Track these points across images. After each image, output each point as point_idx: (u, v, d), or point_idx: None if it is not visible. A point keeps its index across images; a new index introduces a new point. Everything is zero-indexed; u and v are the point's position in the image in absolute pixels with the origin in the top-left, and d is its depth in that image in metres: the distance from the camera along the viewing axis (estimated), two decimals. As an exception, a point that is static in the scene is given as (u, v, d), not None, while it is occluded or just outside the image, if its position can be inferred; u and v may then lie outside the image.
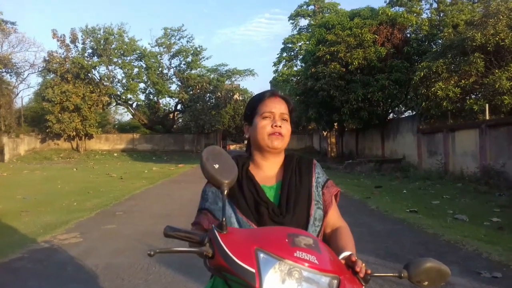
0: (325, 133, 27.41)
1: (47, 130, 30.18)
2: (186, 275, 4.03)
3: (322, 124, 22.00)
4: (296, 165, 1.48)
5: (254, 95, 1.56)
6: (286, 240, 0.99)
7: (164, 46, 34.83)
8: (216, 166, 1.13)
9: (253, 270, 0.93)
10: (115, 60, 32.70)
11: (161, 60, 35.02)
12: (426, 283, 1.10)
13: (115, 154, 32.10)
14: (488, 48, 12.04)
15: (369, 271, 1.07)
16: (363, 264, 1.08)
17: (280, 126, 1.41)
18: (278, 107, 1.44)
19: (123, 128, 40.82)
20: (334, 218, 1.46)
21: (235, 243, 0.99)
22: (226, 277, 1.07)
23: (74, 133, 30.35)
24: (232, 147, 36.80)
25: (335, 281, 0.97)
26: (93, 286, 3.84)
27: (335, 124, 21.84)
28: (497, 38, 11.80)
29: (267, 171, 1.46)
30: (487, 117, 11.87)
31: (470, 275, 3.98)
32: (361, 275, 1.06)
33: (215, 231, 1.03)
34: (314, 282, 0.94)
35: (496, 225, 6.22)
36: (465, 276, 3.93)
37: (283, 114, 1.44)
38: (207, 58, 44.52)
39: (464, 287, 3.67)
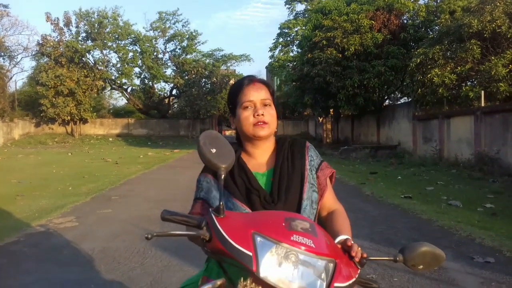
0: (320, 119, 27.42)
1: (41, 115, 29.93)
2: (182, 258, 4.04)
3: (318, 110, 21.98)
4: (289, 150, 1.45)
5: (232, 84, 1.52)
6: (283, 224, 0.99)
7: (159, 30, 34.41)
8: (214, 150, 1.12)
9: (250, 254, 0.94)
10: (109, 44, 32.32)
11: (156, 45, 34.66)
12: (421, 266, 1.11)
13: (110, 139, 31.97)
14: (485, 35, 12.00)
15: (365, 255, 1.08)
16: (359, 248, 1.09)
17: (262, 114, 1.38)
18: (257, 95, 1.40)
19: (118, 113, 40.56)
20: (330, 201, 1.45)
21: (232, 227, 0.99)
22: (223, 260, 1.07)
23: (69, 117, 30.13)
24: (227, 132, 36.70)
25: (331, 265, 0.98)
26: (89, 269, 3.85)
27: (331, 110, 21.81)
28: (493, 25, 11.75)
29: (259, 158, 1.45)
30: (483, 104, 11.89)
31: (463, 259, 4.03)
32: (357, 259, 1.07)
33: (212, 214, 1.03)
34: (310, 266, 0.95)
35: (489, 211, 6.29)
36: (458, 261, 3.98)
37: (264, 100, 1.40)
38: (202, 43, 44.19)
39: (457, 271, 3.71)
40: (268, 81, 1.51)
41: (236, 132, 1.52)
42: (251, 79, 1.45)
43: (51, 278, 3.60)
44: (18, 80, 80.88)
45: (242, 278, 0.97)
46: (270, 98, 1.43)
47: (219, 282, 1.03)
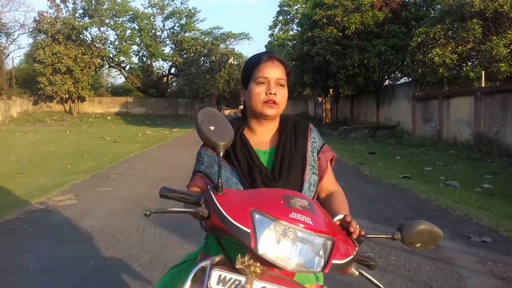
0: (320, 99, 27.29)
1: (39, 92, 29.70)
2: (181, 236, 4.07)
3: (317, 90, 21.84)
4: (292, 130, 1.45)
5: (251, 56, 1.50)
6: (282, 202, 0.99)
7: (157, 8, 33.82)
8: (212, 128, 1.11)
9: (249, 231, 0.94)
10: (107, 21, 31.79)
11: (154, 22, 34.13)
12: (418, 244, 1.12)
13: (109, 118, 31.85)
14: (487, 14, 11.83)
15: (362, 233, 1.08)
16: (357, 225, 1.09)
17: (274, 94, 1.37)
18: (274, 72, 1.38)
19: (116, 91, 40.26)
20: (329, 183, 1.46)
21: (230, 204, 1.00)
22: (222, 237, 1.08)
23: (67, 95, 29.90)
24: (226, 112, 36.56)
25: (329, 242, 0.98)
26: (89, 246, 3.88)
27: (331, 90, 21.70)
28: (495, 4, 11.57)
29: (262, 135, 1.45)
30: (483, 85, 11.83)
31: (460, 239, 4.07)
32: (355, 236, 1.07)
33: (211, 192, 1.03)
34: (308, 243, 0.95)
35: (487, 191, 6.32)
36: (455, 240, 4.02)
37: (279, 80, 1.39)
38: (201, 21, 43.52)
39: (453, 250, 3.75)
40: (287, 62, 1.47)
41: (244, 106, 1.50)
42: (271, 56, 1.43)
43: (51, 255, 3.63)
44: (15, 57, 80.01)
45: (240, 255, 0.97)
46: (285, 79, 1.41)
47: (217, 258, 1.03)
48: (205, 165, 1.40)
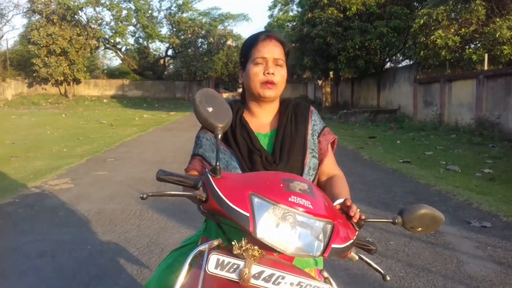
0: (320, 82, 27.07)
1: (34, 75, 29.35)
2: (178, 221, 4.05)
3: (317, 73, 21.65)
4: (292, 112, 1.43)
5: (249, 36, 1.45)
6: (281, 185, 0.98)
7: (154, -13, 33.25)
8: (210, 109, 1.08)
9: (247, 214, 0.93)
10: (102, 1, 31.20)
11: (151, 2, 33.66)
12: (419, 229, 1.11)
13: (105, 100, 31.62)
14: (491, -5, 11.64)
15: (363, 217, 1.06)
16: (358, 209, 1.06)
17: (273, 73, 1.34)
18: (271, 52, 1.35)
19: (112, 73, 39.86)
20: (330, 166, 1.43)
21: (229, 187, 0.99)
22: (220, 221, 1.07)
23: (62, 78, 29.57)
24: (225, 95, 36.31)
25: (329, 226, 0.97)
26: (86, 230, 3.84)
27: (331, 73, 21.54)
28: (500, -15, 11.37)
29: (262, 118, 1.42)
30: (486, 68, 11.70)
31: (460, 224, 4.05)
32: (355, 220, 1.05)
33: (209, 175, 1.01)
34: (308, 227, 0.95)
35: (488, 176, 6.29)
36: (455, 225, 4.00)
37: (277, 60, 1.35)
38: (199, 1, 42.90)
39: (453, 235, 3.74)
40: (286, 41, 1.42)
41: (243, 88, 1.47)
42: (268, 35, 1.39)
43: (47, 239, 3.59)
44: (9, 38, 79.03)
45: (236, 240, 0.96)
46: (283, 59, 1.38)
47: (215, 242, 1.02)
48: (203, 149, 1.37)
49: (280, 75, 1.36)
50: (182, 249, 1.40)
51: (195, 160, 1.37)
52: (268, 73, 1.33)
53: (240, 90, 1.54)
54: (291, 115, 1.42)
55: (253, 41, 1.38)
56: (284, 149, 1.33)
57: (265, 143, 1.37)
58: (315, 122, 1.45)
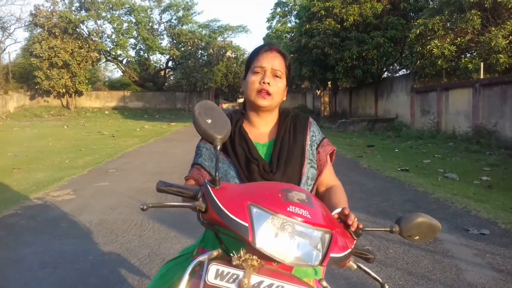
0: (318, 92, 27.22)
1: (36, 87, 29.54)
2: (179, 231, 4.07)
3: (316, 83, 21.79)
4: (291, 123, 1.45)
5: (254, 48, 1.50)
6: (279, 195, 0.98)
7: (154, 0, 33.61)
8: (209, 121, 1.10)
9: (246, 224, 0.93)
10: (103, 14, 31.58)
11: (151, 15, 33.91)
12: (417, 237, 1.11)
13: (106, 112, 31.74)
14: (485, 5, 11.76)
15: (361, 226, 1.07)
16: (355, 218, 1.08)
17: (268, 83, 1.35)
18: (270, 62, 1.37)
19: (113, 85, 40.10)
20: (329, 177, 1.45)
21: (228, 198, 0.99)
22: (219, 231, 1.07)
23: (64, 90, 29.77)
24: (224, 105, 36.42)
25: (327, 235, 0.98)
26: (87, 241, 3.87)
27: (329, 82, 21.64)
28: (494, -5, 11.52)
29: (261, 128, 1.44)
30: (482, 76, 11.80)
31: (458, 231, 4.07)
32: (353, 228, 1.06)
33: (208, 185, 1.02)
34: (306, 236, 0.95)
35: (485, 183, 6.32)
36: (454, 233, 4.02)
37: (276, 70, 1.37)
38: (198, 13, 43.27)
39: (452, 243, 3.75)
40: (287, 53, 1.46)
41: (244, 99, 1.50)
42: (270, 47, 1.43)
43: (49, 250, 3.61)
44: (11, 51, 79.53)
45: (235, 252, 0.97)
46: (282, 71, 1.40)
47: (215, 253, 1.03)
48: (203, 158, 1.40)
49: (277, 86, 1.37)
50: (178, 259, 1.40)
51: (194, 169, 1.39)
52: (263, 82, 1.36)
53: (240, 100, 1.59)
54: (290, 126, 1.43)
55: (256, 51, 1.42)
56: (281, 158, 1.34)
57: (263, 153, 1.38)
58: (313, 133, 1.46)
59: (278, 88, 1.38)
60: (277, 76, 1.38)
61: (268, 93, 1.36)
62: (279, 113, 1.48)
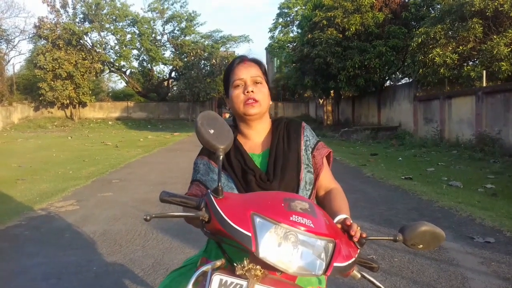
0: (321, 101, 27.28)
1: (40, 98, 29.76)
2: (183, 241, 4.06)
3: (318, 92, 21.84)
4: (284, 130, 1.45)
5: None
6: (282, 205, 0.98)
7: (157, 12, 33.92)
8: (212, 131, 1.11)
9: (249, 234, 0.93)
10: (107, 26, 31.88)
11: (154, 26, 34.20)
12: (421, 246, 1.11)
13: (110, 122, 31.88)
14: (487, 13, 11.82)
15: (364, 235, 1.07)
16: (358, 228, 1.08)
17: (252, 91, 1.37)
18: (247, 72, 1.39)
19: (117, 96, 40.31)
20: (327, 180, 1.44)
21: (231, 208, 0.99)
22: (222, 241, 1.07)
23: (68, 101, 29.97)
24: (227, 115, 36.52)
25: (331, 245, 0.97)
26: (91, 252, 3.86)
27: (332, 91, 21.70)
28: (496, 3, 11.57)
29: (255, 139, 1.44)
30: (484, 84, 11.81)
31: (463, 240, 4.04)
32: (356, 239, 1.06)
33: (211, 195, 1.02)
34: (310, 246, 0.95)
35: (490, 191, 6.29)
36: (458, 241, 3.99)
37: (255, 78, 1.39)
38: (201, 24, 43.61)
39: (457, 251, 3.72)
40: (259, 59, 1.48)
41: (233, 114, 1.51)
42: (242, 58, 1.45)
43: (53, 261, 3.61)
44: (16, 63, 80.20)
45: (239, 262, 0.97)
46: (261, 76, 1.41)
47: (218, 263, 1.02)
48: (200, 173, 1.40)
49: (261, 92, 1.39)
50: (181, 269, 1.39)
51: (193, 186, 1.40)
52: (248, 92, 1.36)
53: (228, 115, 1.59)
54: (283, 133, 1.43)
55: (230, 67, 1.44)
56: (277, 166, 1.34)
57: (259, 163, 1.38)
58: (307, 137, 1.45)
59: (262, 93, 1.39)
60: (257, 83, 1.39)
61: (255, 100, 1.37)
62: (271, 122, 1.48)
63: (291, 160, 1.38)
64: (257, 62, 1.44)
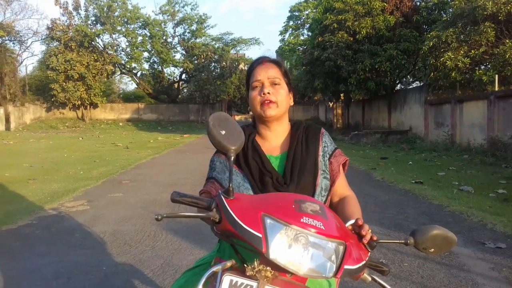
0: (331, 104, 27.21)
1: (52, 99, 30.19)
2: (192, 242, 4.08)
3: (328, 95, 21.82)
4: (303, 134, 1.45)
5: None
6: (293, 206, 0.98)
7: (168, 14, 34.20)
8: (223, 132, 1.11)
9: (260, 235, 0.93)
10: (118, 28, 32.24)
11: (165, 29, 34.51)
12: (432, 250, 1.09)
13: (121, 124, 32.18)
14: (500, 17, 11.70)
15: (375, 238, 1.06)
16: (369, 230, 1.07)
17: (268, 93, 1.37)
18: (264, 73, 1.39)
19: (128, 97, 40.71)
20: (342, 187, 1.44)
21: (242, 209, 0.99)
22: (233, 242, 1.07)
23: (79, 102, 30.35)
24: (237, 117, 36.60)
25: (341, 247, 0.97)
26: (101, 252, 3.89)
27: (342, 95, 21.62)
28: (508, 7, 11.44)
29: (273, 141, 1.45)
30: (496, 88, 11.67)
31: (474, 245, 4.00)
32: (366, 240, 1.04)
33: (222, 196, 1.03)
34: (320, 248, 0.94)
35: (501, 196, 6.20)
36: (469, 246, 3.95)
37: (273, 79, 1.39)
38: (212, 27, 43.79)
39: (468, 257, 3.68)
40: (280, 60, 1.48)
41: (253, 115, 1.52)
42: (262, 59, 1.45)
43: (64, 261, 3.65)
44: (28, 64, 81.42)
45: (249, 263, 0.97)
46: (280, 77, 1.41)
47: (229, 263, 1.03)
48: (217, 171, 1.41)
49: (278, 93, 1.38)
50: (195, 269, 1.40)
51: (209, 183, 1.41)
52: (264, 94, 1.37)
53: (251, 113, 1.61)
54: (302, 137, 1.43)
55: (250, 68, 1.44)
56: (294, 170, 1.34)
57: (276, 165, 1.38)
58: (326, 143, 1.45)
59: (280, 95, 1.39)
60: (275, 84, 1.39)
61: (272, 102, 1.37)
62: (290, 125, 1.48)
63: (309, 165, 1.38)
64: (276, 63, 1.44)
